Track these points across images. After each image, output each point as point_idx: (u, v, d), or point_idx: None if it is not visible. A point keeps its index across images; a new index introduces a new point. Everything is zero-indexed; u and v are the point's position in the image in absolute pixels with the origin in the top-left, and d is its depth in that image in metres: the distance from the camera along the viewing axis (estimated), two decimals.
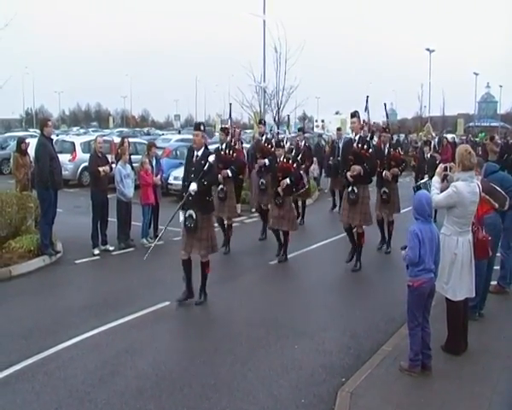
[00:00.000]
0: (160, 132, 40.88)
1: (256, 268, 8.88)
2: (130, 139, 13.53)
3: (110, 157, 10.48)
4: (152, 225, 10.72)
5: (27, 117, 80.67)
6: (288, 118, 18.95)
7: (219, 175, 9.26)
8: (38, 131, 12.98)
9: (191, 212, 6.86)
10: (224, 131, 10.42)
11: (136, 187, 10.66)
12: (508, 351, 5.55)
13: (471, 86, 62.52)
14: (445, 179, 5.50)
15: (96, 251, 9.66)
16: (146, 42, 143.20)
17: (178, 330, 6.48)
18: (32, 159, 11.94)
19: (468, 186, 5.20)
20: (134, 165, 10.75)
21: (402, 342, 5.65)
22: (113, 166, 10.17)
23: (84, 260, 9.11)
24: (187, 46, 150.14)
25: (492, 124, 59.08)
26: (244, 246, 10.32)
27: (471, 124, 58.67)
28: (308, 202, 15.74)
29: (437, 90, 73.62)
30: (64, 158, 16.19)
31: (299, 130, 14.85)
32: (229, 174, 9.82)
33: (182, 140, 23.03)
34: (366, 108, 9.04)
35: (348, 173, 8.46)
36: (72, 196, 15.47)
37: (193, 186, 6.75)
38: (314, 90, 58.90)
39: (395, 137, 33.90)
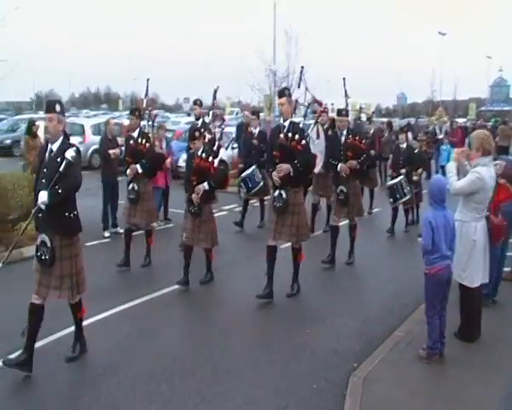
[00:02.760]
0: (168, 115, 40.82)
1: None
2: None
3: (120, 140, 10.45)
4: (162, 208, 10.72)
5: (38, 100, 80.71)
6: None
7: (129, 171, 7.72)
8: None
9: (44, 237, 4.74)
10: (135, 113, 8.08)
11: None
12: None
13: (483, 70, 61.90)
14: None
15: (107, 233, 9.67)
16: (156, 23, 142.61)
17: (189, 313, 6.48)
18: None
19: (488, 171, 5.11)
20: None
21: (415, 327, 5.62)
22: (123, 148, 10.14)
23: (94, 242, 9.12)
24: (198, 28, 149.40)
25: (505, 108, 58.22)
26: (249, 229, 10.28)
27: (483, 108, 57.94)
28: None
29: (449, 74, 72.93)
30: (74, 140, 16.12)
31: (253, 113, 11.10)
32: (139, 170, 7.72)
33: (191, 123, 22.95)
34: (299, 85, 6.88)
35: (274, 174, 6.38)
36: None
37: (42, 197, 4.56)
38: (324, 73, 58.46)
39: (407, 120, 33.60)
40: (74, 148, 4.70)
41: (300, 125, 6.48)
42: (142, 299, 6.60)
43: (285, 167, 6.26)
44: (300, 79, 6.77)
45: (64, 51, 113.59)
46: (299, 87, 6.82)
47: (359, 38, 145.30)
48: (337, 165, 7.86)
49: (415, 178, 10.28)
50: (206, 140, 7.29)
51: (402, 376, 4.73)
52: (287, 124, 6.42)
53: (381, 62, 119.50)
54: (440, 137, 16.89)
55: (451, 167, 5.32)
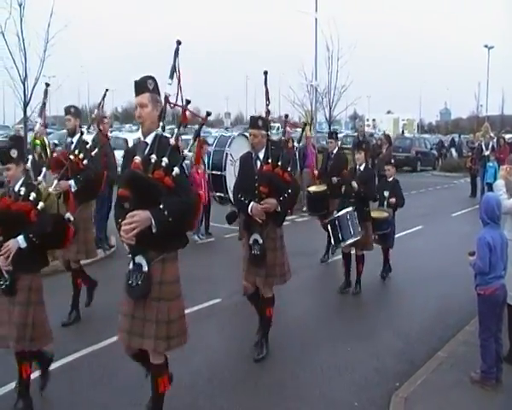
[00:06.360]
0: (210, 130, 41.32)
1: (306, 268, 8.78)
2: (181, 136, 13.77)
3: None
4: (203, 223, 10.87)
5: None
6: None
7: (59, 188, 5.69)
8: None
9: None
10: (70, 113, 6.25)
11: None
12: None
13: None
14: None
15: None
16: (197, 38, 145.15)
17: (230, 327, 6.49)
18: None
19: None
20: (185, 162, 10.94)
21: (458, 348, 5.49)
22: None
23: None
24: (238, 43, 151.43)
25: None
26: (292, 245, 10.25)
27: None
28: None
29: (495, 88, 71.11)
30: (118, 154, 16.59)
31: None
32: (73, 187, 5.98)
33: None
34: (172, 74, 3.86)
35: (123, 229, 3.52)
36: None
37: None
38: (366, 88, 58.02)
39: (450, 136, 32.77)
40: None
41: (172, 141, 3.74)
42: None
43: (141, 218, 3.46)
44: (174, 64, 3.86)
45: (106, 66, 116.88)
46: (171, 78, 3.83)
47: (402, 51, 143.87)
48: (248, 203, 5.19)
49: (382, 214, 7.93)
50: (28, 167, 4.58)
51: (445, 398, 4.60)
52: (150, 140, 3.75)
53: (424, 77, 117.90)
54: (486, 153, 16.49)
55: (500, 185, 5.18)
